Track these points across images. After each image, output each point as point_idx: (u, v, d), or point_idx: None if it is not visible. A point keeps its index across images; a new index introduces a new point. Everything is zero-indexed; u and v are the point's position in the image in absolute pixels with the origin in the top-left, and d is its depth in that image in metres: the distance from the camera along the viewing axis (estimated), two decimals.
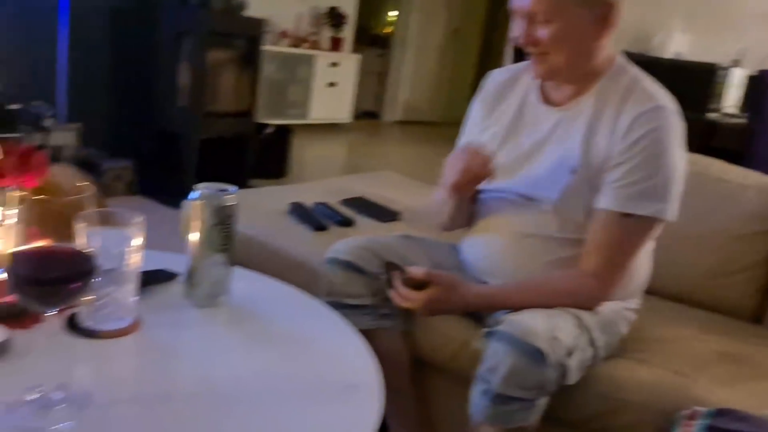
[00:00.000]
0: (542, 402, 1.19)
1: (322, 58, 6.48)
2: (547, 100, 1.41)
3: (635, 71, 1.35)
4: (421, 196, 2.33)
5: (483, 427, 1.21)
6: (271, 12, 5.17)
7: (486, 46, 8.98)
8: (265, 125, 4.28)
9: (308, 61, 6.34)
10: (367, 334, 1.11)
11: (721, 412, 1.11)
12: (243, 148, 3.83)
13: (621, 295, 1.36)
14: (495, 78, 1.52)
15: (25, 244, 1.04)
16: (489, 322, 1.36)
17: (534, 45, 1.29)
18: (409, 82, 8.22)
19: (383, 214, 2.01)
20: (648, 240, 1.34)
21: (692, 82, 3.62)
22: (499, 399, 1.16)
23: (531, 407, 1.18)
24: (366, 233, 1.68)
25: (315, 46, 6.50)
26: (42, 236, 0.98)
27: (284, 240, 1.73)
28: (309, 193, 2.09)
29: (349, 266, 1.43)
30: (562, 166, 1.33)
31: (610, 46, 1.34)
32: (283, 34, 6.12)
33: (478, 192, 1.46)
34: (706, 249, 1.69)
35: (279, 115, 5.88)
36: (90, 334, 0.92)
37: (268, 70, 5.46)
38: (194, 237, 1.04)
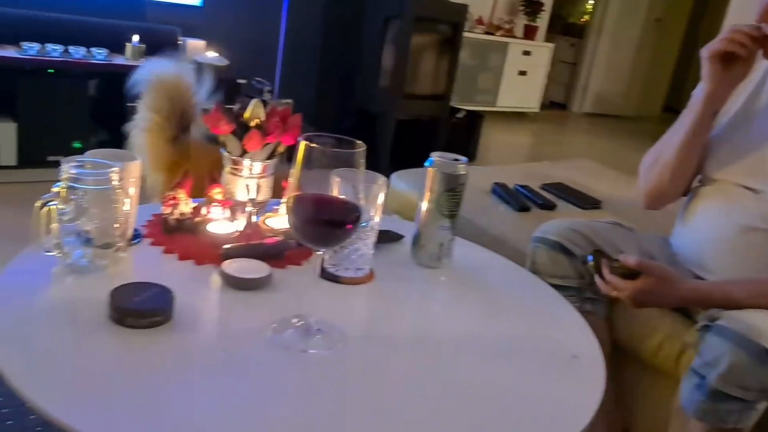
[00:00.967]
0: (761, 406, 1.13)
1: (515, 46, 6.43)
2: None
3: None
4: (622, 186, 2.27)
5: (692, 423, 1.18)
6: None
7: (689, 37, 8.35)
8: (457, 110, 4.36)
9: (501, 48, 6.32)
10: None
11: None
12: (435, 130, 3.93)
13: None
14: None
15: (280, 194, 1.18)
16: (699, 316, 1.31)
17: None
18: (602, 73, 7.89)
19: (585, 200, 1.99)
20: None
21: None
22: (715, 395, 1.12)
23: (748, 409, 1.12)
24: (568, 219, 1.68)
25: (509, 33, 6.45)
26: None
27: (488, 218, 1.78)
28: (508, 175, 2.12)
29: (558, 247, 1.44)
30: None
31: None
32: (479, 21, 6.15)
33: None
34: None
35: (468, 100, 5.93)
36: (334, 278, 1.03)
37: (461, 56, 5.52)
38: (425, 201, 1.12)
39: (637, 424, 1.52)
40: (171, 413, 0.68)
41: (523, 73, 6.56)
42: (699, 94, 1.36)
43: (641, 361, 1.46)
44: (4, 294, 0.86)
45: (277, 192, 1.23)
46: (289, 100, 3.68)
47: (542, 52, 6.74)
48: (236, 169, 1.16)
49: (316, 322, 0.87)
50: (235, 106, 1.18)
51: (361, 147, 0.80)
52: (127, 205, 0.96)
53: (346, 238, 0.83)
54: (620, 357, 1.49)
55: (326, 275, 1.03)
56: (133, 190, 1.01)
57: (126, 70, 3.08)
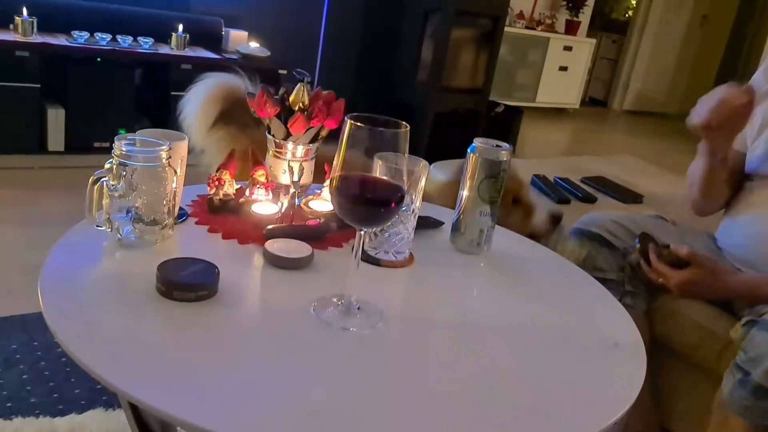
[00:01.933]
0: None
1: (556, 42, 6.36)
2: None
3: None
4: (665, 183, 2.23)
5: (733, 420, 1.16)
6: None
7: (736, 35, 8.14)
8: (496, 104, 4.33)
9: (542, 43, 6.26)
10: None
11: None
12: (473, 124, 3.92)
13: None
14: None
15: (321, 178, 1.19)
16: (744, 311, 1.29)
17: None
18: (644, 70, 7.75)
19: (626, 195, 1.96)
20: None
21: None
22: (759, 392, 1.10)
23: None
24: (609, 211, 1.66)
25: (550, 28, 6.38)
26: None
27: None
28: (548, 168, 2.11)
29: (598, 238, 1.43)
30: None
31: None
32: (519, 16, 6.10)
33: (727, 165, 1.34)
34: None
35: (506, 95, 5.89)
36: (374, 261, 1.04)
37: (500, 50, 5.48)
38: (467, 187, 1.12)
39: (675, 421, 1.50)
40: (216, 384, 0.70)
41: (563, 68, 6.49)
42: (702, 145, 1.33)
43: (681, 357, 1.44)
44: (59, 266, 0.89)
45: (319, 176, 1.24)
46: (329, 91, 3.70)
47: (583, 48, 6.65)
48: (279, 152, 1.18)
49: (356, 301, 0.88)
50: (281, 90, 1.19)
51: (405, 128, 0.80)
52: (175, 182, 0.98)
53: (390, 218, 0.84)
54: (659, 352, 1.47)
55: (367, 258, 1.04)
56: (180, 169, 1.03)
57: (170, 59, 3.17)
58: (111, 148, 0.93)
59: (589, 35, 6.87)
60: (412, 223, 1.06)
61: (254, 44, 3.52)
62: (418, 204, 1.05)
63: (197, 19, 3.47)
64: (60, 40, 2.99)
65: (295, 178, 1.13)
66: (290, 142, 1.16)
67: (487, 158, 1.10)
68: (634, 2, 8.00)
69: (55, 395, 1.51)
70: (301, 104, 1.17)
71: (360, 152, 0.80)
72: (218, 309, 0.84)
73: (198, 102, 1.80)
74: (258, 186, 1.15)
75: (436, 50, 3.64)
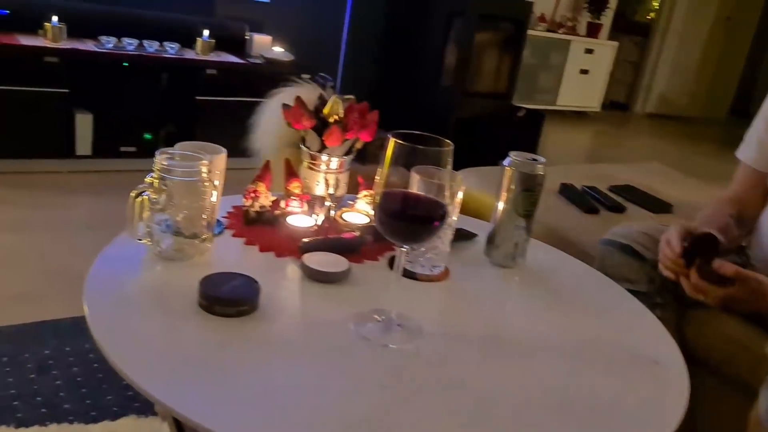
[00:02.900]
0: None
1: (577, 44, 6.32)
2: None
3: None
4: (693, 191, 2.21)
5: None
6: None
7: (761, 37, 8.04)
8: (518, 108, 4.31)
9: (563, 46, 6.22)
10: None
11: None
12: (496, 128, 3.90)
13: None
14: None
15: (356, 189, 1.20)
16: None
17: None
18: (667, 73, 7.68)
19: (655, 204, 1.94)
20: None
21: None
22: None
23: None
24: (637, 221, 1.65)
25: (571, 31, 6.35)
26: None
27: (555, 219, 1.76)
28: (574, 176, 2.09)
29: (628, 250, 1.41)
30: None
31: None
32: (541, 19, 6.07)
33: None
34: None
35: (527, 99, 5.86)
36: (410, 275, 1.04)
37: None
38: (502, 201, 1.12)
39: None
40: (257, 399, 0.70)
41: (584, 71, 6.44)
42: None
43: (713, 371, 1.42)
44: (102, 279, 0.90)
45: (352, 187, 1.25)
46: (351, 96, 3.71)
47: (605, 50, 6.60)
48: (314, 163, 1.18)
49: (396, 317, 0.88)
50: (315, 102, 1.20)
51: (448, 146, 0.81)
52: (214, 196, 0.99)
53: (433, 235, 0.84)
54: (689, 365, 1.45)
55: (403, 272, 1.04)
56: (218, 182, 1.04)
57: (196, 64, 3.19)
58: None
59: (611, 38, 6.81)
60: (449, 236, 1.06)
61: (278, 49, 3.54)
62: (454, 218, 1.05)
63: (222, 24, 3.50)
64: (88, 45, 3.02)
65: (331, 191, 1.14)
66: (325, 154, 1.17)
67: (523, 171, 1.10)
68: (656, 4, 7.93)
69: (88, 401, 1.53)
70: (336, 116, 1.18)
71: (403, 169, 0.80)
72: (259, 324, 0.85)
73: (268, 125, 1.75)
74: (293, 198, 1.16)
75: (460, 54, 3.63)
